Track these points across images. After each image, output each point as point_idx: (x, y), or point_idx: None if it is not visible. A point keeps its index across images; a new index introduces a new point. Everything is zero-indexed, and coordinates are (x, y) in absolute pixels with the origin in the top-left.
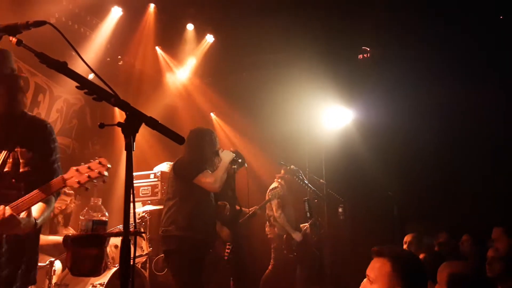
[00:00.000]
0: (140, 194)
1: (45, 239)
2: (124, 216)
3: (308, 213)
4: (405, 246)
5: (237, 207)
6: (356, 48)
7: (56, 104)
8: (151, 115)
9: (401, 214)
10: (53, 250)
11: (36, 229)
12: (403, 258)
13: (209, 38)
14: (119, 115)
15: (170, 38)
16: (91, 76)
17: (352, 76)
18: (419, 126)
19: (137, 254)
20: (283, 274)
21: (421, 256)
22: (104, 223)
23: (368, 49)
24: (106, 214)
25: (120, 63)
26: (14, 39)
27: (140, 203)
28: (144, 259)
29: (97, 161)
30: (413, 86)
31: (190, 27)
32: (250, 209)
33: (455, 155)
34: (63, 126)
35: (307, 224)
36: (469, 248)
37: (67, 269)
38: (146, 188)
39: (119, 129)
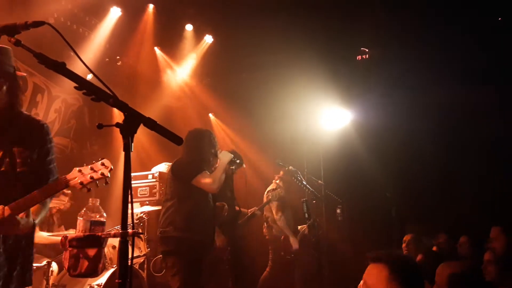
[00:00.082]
0: (138, 195)
1: (42, 238)
2: (122, 217)
3: (306, 214)
4: (404, 246)
5: (236, 208)
6: (355, 49)
7: (54, 104)
8: (150, 115)
9: (399, 215)
10: (49, 250)
11: (33, 230)
12: (400, 263)
13: (208, 39)
14: (118, 115)
15: (169, 39)
16: (89, 77)
17: (351, 77)
18: (418, 127)
19: (135, 255)
20: (281, 275)
21: (419, 256)
22: (102, 223)
23: (367, 50)
24: (104, 214)
25: (119, 63)
26: (12, 39)
27: (138, 203)
28: (142, 260)
29: (100, 162)
30: (411, 87)
31: (189, 27)
32: (249, 210)
33: (453, 156)
34: (61, 126)
35: (304, 226)
36: (467, 249)
37: (64, 269)
38: (144, 188)
39: (118, 129)
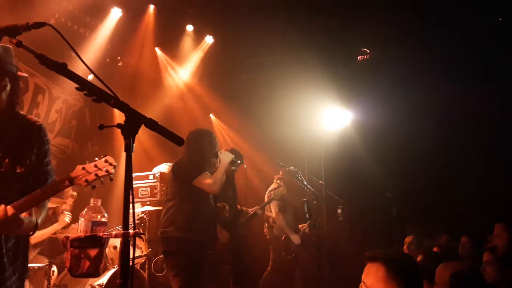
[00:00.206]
0: (139, 195)
1: (44, 233)
2: (124, 217)
3: (307, 214)
4: (405, 247)
5: (238, 207)
6: (355, 50)
7: (55, 105)
8: (150, 116)
9: (400, 214)
10: (50, 249)
11: (35, 230)
12: (397, 261)
13: (209, 39)
14: (119, 116)
15: (169, 39)
16: (90, 77)
17: (351, 77)
18: (418, 127)
19: (136, 255)
20: (282, 275)
21: (420, 257)
22: (104, 224)
23: (367, 50)
24: (106, 215)
25: (120, 64)
26: (14, 40)
27: (139, 204)
28: (143, 260)
29: (103, 159)
30: (411, 87)
31: (189, 28)
32: (251, 209)
33: (453, 155)
34: (62, 127)
35: (305, 224)
36: (468, 249)
37: (65, 269)
38: (145, 189)
39: (119, 130)
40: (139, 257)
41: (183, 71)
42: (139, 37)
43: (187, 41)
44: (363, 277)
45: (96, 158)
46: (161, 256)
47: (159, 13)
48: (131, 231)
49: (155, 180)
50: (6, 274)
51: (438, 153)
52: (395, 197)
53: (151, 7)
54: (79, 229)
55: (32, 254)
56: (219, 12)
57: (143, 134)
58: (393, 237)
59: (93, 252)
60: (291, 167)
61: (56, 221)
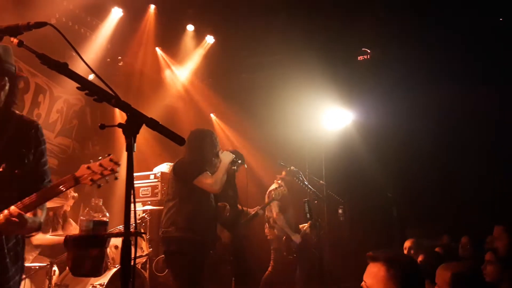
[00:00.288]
0: (140, 195)
1: (46, 239)
2: (125, 217)
3: (308, 214)
4: (405, 252)
5: (239, 207)
6: (355, 50)
7: (56, 105)
8: (151, 116)
9: (401, 214)
10: (51, 250)
11: (38, 231)
12: (397, 262)
13: (209, 39)
14: (119, 115)
15: (170, 39)
16: (91, 77)
17: (352, 77)
18: (418, 127)
19: (137, 255)
20: (283, 275)
21: (420, 257)
22: (105, 223)
23: (368, 50)
24: (107, 214)
25: (120, 63)
26: (15, 40)
27: (140, 203)
28: (144, 260)
29: (107, 158)
30: (412, 87)
31: (190, 28)
32: (252, 210)
33: (454, 155)
34: (63, 127)
35: (305, 224)
36: (468, 250)
37: (67, 269)
38: (146, 188)
39: (119, 129)
40: (140, 256)
41: (183, 71)
42: (140, 37)
43: (188, 41)
44: (364, 276)
45: (100, 157)
46: (162, 256)
47: (160, 13)
48: (132, 231)
49: (156, 180)
50: (9, 274)
51: (438, 153)
52: (396, 197)
53: (152, 7)
54: (81, 228)
55: (33, 254)
56: (220, 12)
57: (143, 133)
58: (393, 237)
59: (94, 252)
60: (292, 167)
61: (58, 222)
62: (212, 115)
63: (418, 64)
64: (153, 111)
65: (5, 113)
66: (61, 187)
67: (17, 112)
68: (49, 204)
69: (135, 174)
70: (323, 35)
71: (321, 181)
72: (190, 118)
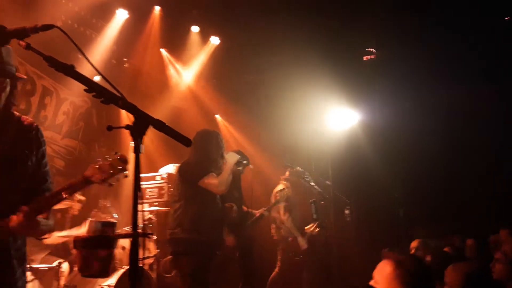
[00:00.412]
0: (147, 196)
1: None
2: (133, 218)
3: (314, 215)
4: (412, 252)
5: (245, 208)
6: (362, 50)
7: (62, 107)
8: (157, 117)
9: (407, 215)
10: (61, 250)
11: (50, 232)
12: (405, 263)
13: (214, 40)
14: (125, 117)
15: (175, 40)
16: (96, 79)
17: (358, 77)
18: (425, 127)
19: (144, 256)
20: (290, 275)
21: (428, 257)
22: (113, 224)
23: (374, 50)
24: (115, 216)
25: (126, 65)
26: (23, 43)
27: (147, 204)
28: (151, 261)
29: (117, 156)
30: (418, 87)
31: (195, 29)
32: (258, 211)
33: (461, 156)
34: (69, 128)
35: (312, 225)
36: (474, 252)
37: (75, 270)
38: (152, 190)
39: (125, 131)
40: (147, 257)
41: (188, 72)
42: (145, 39)
43: (193, 42)
44: (374, 271)
45: (109, 156)
46: (169, 257)
47: (165, 14)
48: (140, 232)
49: (162, 181)
50: (17, 275)
51: (445, 153)
52: (402, 197)
53: (157, 8)
54: (89, 230)
55: (41, 254)
56: (225, 13)
57: (149, 134)
58: (400, 237)
59: (102, 253)
60: (298, 168)
61: (64, 223)
62: (217, 116)
63: (424, 64)
64: (158, 112)
65: (4, 114)
66: (73, 189)
67: (16, 113)
68: (56, 206)
69: (141, 175)
70: (328, 36)
71: (327, 182)
72: (196, 119)
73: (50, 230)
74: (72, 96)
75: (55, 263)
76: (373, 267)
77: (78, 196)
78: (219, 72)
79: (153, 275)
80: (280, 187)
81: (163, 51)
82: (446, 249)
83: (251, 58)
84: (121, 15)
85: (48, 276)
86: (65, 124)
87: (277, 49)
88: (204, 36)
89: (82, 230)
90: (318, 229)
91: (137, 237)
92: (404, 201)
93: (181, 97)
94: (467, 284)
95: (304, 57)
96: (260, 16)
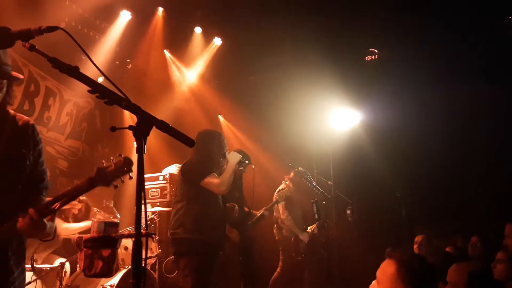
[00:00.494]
0: (149, 196)
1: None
2: (136, 218)
3: (316, 215)
4: (415, 246)
5: (246, 209)
6: (364, 50)
7: (66, 108)
8: (160, 117)
9: (409, 215)
10: (64, 249)
11: (54, 235)
12: (408, 263)
13: (217, 41)
14: (129, 117)
15: (178, 41)
16: (100, 79)
17: (360, 77)
18: (427, 127)
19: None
20: (292, 275)
21: (431, 257)
22: (116, 225)
23: (376, 50)
24: (118, 216)
25: (129, 66)
26: (27, 44)
27: (149, 205)
28: (154, 261)
29: (121, 158)
30: (420, 88)
31: (198, 30)
32: (259, 212)
33: (463, 155)
34: (73, 129)
35: (313, 225)
36: (478, 249)
37: (77, 270)
38: (155, 190)
39: (128, 131)
40: (149, 258)
41: (191, 72)
42: (148, 40)
43: (196, 43)
44: (377, 270)
45: (113, 158)
46: (172, 257)
47: (168, 15)
48: (143, 232)
49: (164, 181)
50: (15, 275)
51: (447, 153)
52: (404, 197)
53: (160, 9)
54: (92, 230)
55: (45, 253)
56: (227, 14)
57: (152, 135)
58: (402, 237)
59: (106, 253)
60: (300, 168)
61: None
62: (220, 116)
63: (424, 64)
64: (161, 113)
65: (1, 114)
66: (79, 191)
67: (10, 111)
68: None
69: (144, 175)
70: (330, 36)
71: (329, 182)
72: (198, 119)
73: (54, 232)
74: (75, 97)
75: (57, 262)
76: (375, 267)
77: (80, 197)
78: (222, 72)
79: (156, 275)
80: (281, 187)
81: (166, 52)
82: (448, 249)
83: (253, 58)
84: (124, 17)
85: (50, 276)
86: (68, 125)
87: (279, 50)
88: (207, 37)
89: (87, 224)
90: (318, 229)
91: (140, 237)
92: (406, 201)
93: (184, 98)
94: (470, 283)
95: (306, 57)
96: (263, 17)
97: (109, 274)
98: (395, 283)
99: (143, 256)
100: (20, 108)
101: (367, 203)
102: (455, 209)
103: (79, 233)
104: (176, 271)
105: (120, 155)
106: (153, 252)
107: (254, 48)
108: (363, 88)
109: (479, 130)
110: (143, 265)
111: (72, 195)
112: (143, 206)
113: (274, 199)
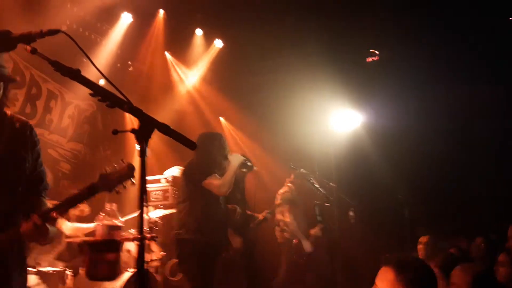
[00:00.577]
0: (151, 199)
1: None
2: (139, 221)
3: (318, 217)
4: (420, 247)
5: (248, 212)
6: (365, 51)
7: (68, 110)
8: (161, 120)
9: (412, 217)
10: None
11: (58, 239)
12: (407, 267)
13: (218, 43)
14: (130, 120)
15: (179, 44)
16: (101, 82)
17: (361, 79)
18: (429, 128)
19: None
20: (294, 278)
21: (436, 258)
22: (119, 228)
23: (377, 51)
24: (121, 219)
25: (130, 69)
26: (29, 48)
27: (152, 207)
28: (157, 264)
29: (124, 164)
30: (422, 88)
31: (199, 32)
32: (261, 214)
33: (465, 156)
34: (74, 132)
35: (316, 228)
36: (482, 250)
37: (80, 274)
38: (157, 192)
39: (130, 134)
40: (153, 260)
41: (192, 74)
42: (149, 42)
43: (197, 45)
44: (376, 279)
45: (116, 165)
46: (175, 260)
47: (169, 17)
48: (147, 235)
49: (167, 184)
50: (15, 280)
51: (449, 154)
52: (407, 198)
53: (161, 11)
54: (96, 233)
55: (47, 258)
56: (228, 16)
57: (153, 137)
58: (404, 238)
59: (110, 256)
60: (301, 170)
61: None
62: (221, 118)
63: (426, 64)
64: (162, 115)
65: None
66: (82, 197)
67: (8, 112)
68: None
69: (146, 178)
70: (331, 38)
71: (331, 184)
72: (200, 121)
73: (58, 237)
74: (77, 99)
75: (60, 267)
76: (378, 269)
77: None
78: (223, 74)
79: (159, 278)
80: (283, 189)
81: (167, 54)
82: (451, 250)
83: (254, 60)
84: (125, 19)
85: (53, 280)
86: (70, 128)
87: (280, 51)
88: (208, 39)
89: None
90: (320, 231)
91: (144, 241)
92: (408, 202)
93: (185, 100)
94: (475, 285)
95: (307, 59)
96: (263, 19)
97: (113, 277)
98: None
99: (146, 259)
100: (22, 111)
101: (369, 205)
102: (458, 210)
103: (84, 235)
104: (179, 274)
105: (122, 160)
106: (156, 255)
107: (255, 49)
108: (365, 89)
109: (481, 130)
110: (146, 268)
111: (74, 201)
112: (145, 209)
113: (276, 202)
